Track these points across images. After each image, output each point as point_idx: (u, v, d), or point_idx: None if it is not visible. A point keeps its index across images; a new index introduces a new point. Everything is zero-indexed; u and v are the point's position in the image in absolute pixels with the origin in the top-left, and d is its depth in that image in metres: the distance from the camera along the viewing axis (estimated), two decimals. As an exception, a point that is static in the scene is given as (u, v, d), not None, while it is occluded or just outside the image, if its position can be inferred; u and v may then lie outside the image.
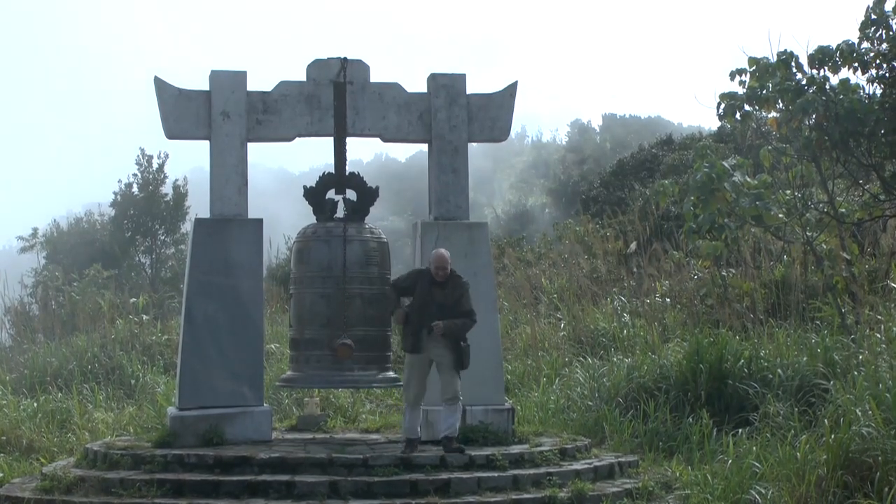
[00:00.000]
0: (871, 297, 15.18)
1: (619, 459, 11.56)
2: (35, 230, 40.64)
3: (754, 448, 10.71)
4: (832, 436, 9.81)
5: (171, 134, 12.29)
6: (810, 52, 14.56)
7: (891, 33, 14.15)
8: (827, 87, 14.35)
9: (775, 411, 11.86)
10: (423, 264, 12.29)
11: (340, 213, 12.66)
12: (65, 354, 19.05)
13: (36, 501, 10.32)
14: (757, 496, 9.61)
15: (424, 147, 13.02)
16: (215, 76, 12.28)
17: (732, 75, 14.99)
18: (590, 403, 14.13)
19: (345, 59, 12.40)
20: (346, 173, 12.59)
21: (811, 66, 14.57)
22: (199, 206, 19.57)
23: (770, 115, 15.32)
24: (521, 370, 16.80)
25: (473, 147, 13.93)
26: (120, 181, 43.63)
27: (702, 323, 16.44)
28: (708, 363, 13.42)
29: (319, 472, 10.54)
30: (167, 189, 43.25)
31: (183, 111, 12.18)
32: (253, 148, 12.40)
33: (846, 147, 14.53)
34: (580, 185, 49.55)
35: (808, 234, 15.58)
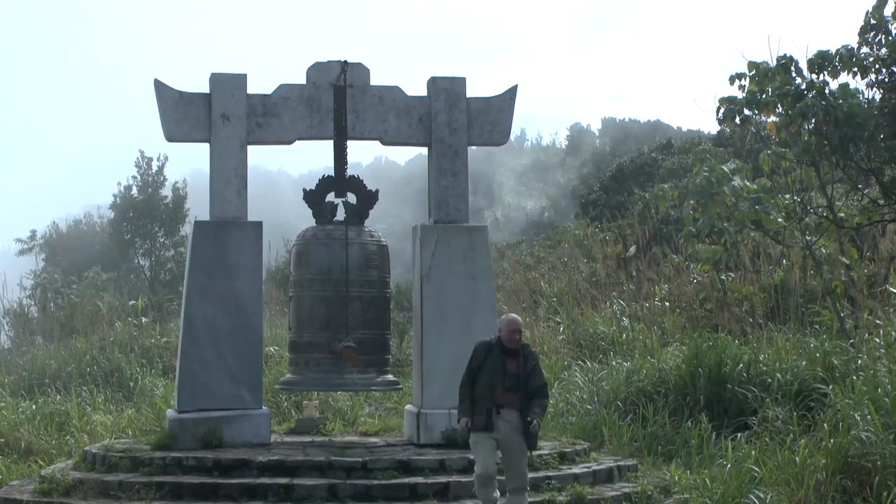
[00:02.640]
0: (870, 301, 15.17)
1: (618, 463, 11.56)
2: (34, 232, 40.67)
3: (753, 452, 10.71)
4: (831, 440, 9.82)
5: (171, 136, 12.30)
6: (810, 56, 14.59)
7: (890, 38, 14.17)
8: (826, 91, 14.36)
9: (774, 415, 11.86)
10: (423, 267, 12.30)
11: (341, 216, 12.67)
12: (63, 357, 19.05)
13: (34, 504, 10.34)
14: (756, 500, 9.61)
15: (424, 150, 13.03)
16: (215, 79, 12.28)
17: (732, 79, 15.01)
18: (589, 407, 14.13)
19: (345, 62, 12.41)
20: (346, 176, 12.59)
21: (811, 70, 14.59)
22: (198, 208, 19.59)
23: (769, 120, 15.33)
24: (521, 374, 16.75)
25: (473, 150, 13.92)
26: (119, 183, 43.63)
27: (701, 327, 16.43)
28: (707, 367, 13.42)
29: (318, 475, 10.54)
30: (167, 191, 43.26)
31: (183, 114, 12.18)
32: (252, 150, 12.41)
33: (845, 152, 14.54)
34: (580, 189, 49.57)
35: (807, 238, 15.58)
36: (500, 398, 9.28)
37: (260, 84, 12.41)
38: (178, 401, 11.94)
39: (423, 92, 12.71)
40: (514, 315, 9.73)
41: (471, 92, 12.67)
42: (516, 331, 9.45)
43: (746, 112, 15.12)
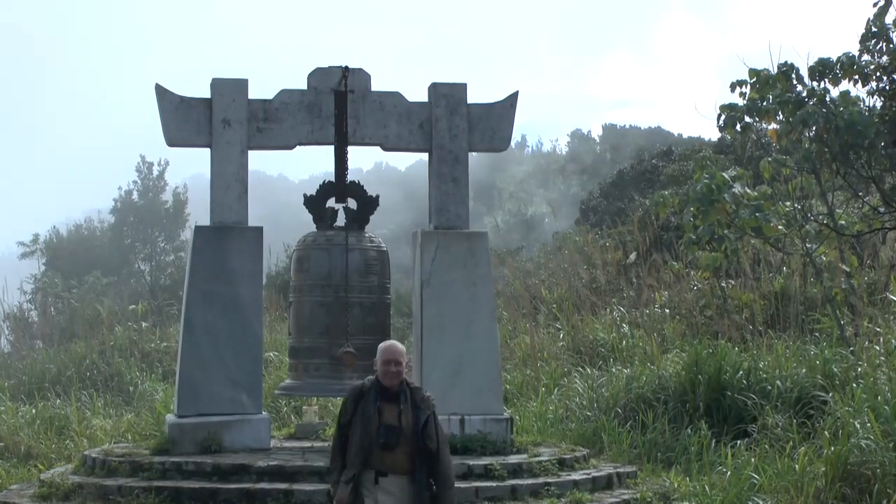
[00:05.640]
0: (870, 309, 15.19)
1: (618, 470, 11.55)
2: (36, 236, 40.77)
3: (753, 460, 10.72)
4: (831, 448, 9.83)
5: (172, 141, 12.29)
6: (811, 64, 14.61)
7: (891, 46, 14.16)
8: (827, 99, 14.37)
9: (774, 423, 11.86)
10: (423, 273, 12.28)
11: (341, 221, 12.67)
12: (63, 361, 19.08)
13: (33, 508, 10.33)
14: (755, 508, 9.62)
15: (425, 156, 13.03)
16: (216, 84, 12.28)
17: (733, 87, 15.02)
18: (588, 414, 14.14)
19: (346, 67, 12.42)
20: (347, 182, 12.60)
21: (811, 78, 14.60)
22: (199, 213, 19.64)
23: (770, 127, 15.35)
24: (520, 380, 16.80)
25: (473, 156, 13.93)
26: (120, 188, 43.80)
27: (701, 334, 16.45)
28: (707, 374, 13.42)
29: (317, 480, 10.52)
30: (167, 196, 43.40)
31: (184, 118, 12.18)
32: (253, 155, 12.42)
33: (846, 159, 14.55)
34: (580, 195, 49.60)
35: (807, 245, 15.59)
36: (377, 461, 6.89)
37: (261, 89, 12.41)
38: (178, 405, 11.93)
39: (424, 97, 12.71)
40: (392, 342, 7.30)
41: (472, 98, 12.69)
42: (393, 361, 7.01)
43: (747, 119, 15.14)
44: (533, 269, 26.21)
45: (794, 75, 14.68)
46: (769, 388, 12.92)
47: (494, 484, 10.53)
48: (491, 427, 11.80)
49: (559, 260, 25.73)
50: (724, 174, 15.56)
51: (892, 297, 15.09)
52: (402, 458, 6.87)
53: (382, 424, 6.87)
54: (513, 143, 14.36)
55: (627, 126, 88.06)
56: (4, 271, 24.57)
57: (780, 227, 15.46)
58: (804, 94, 14.56)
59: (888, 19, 14.18)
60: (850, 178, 15.37)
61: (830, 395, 11.67)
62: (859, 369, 12.43)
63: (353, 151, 12.55)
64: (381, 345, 7.17)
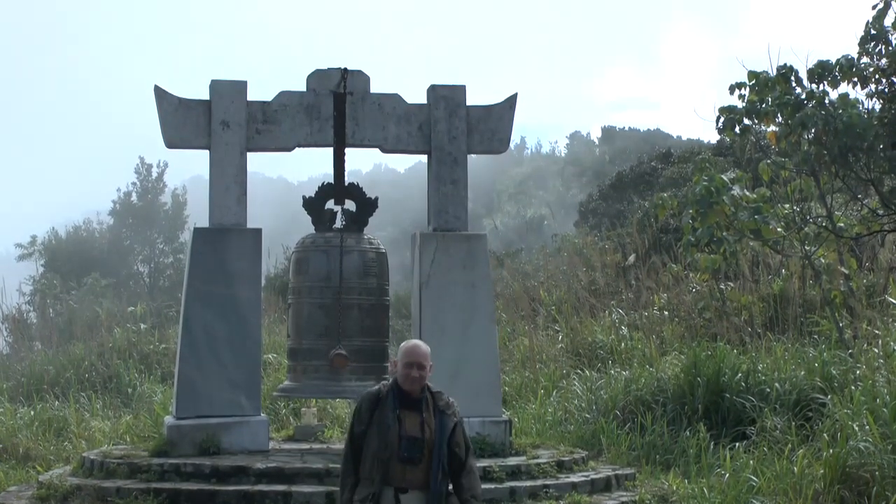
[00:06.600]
0: (868, 311, 15.19)
1: (616, 472, 11.54)
2: (34, 238, 40.81)
3: (751, 462, 10.72)
4: (829, 450, 9.83)
5: (171, 143, 12.28)
6: (810, 66, 14.62)
7: (890, 48, 14.19)
8: (826, 101, 14.38)
9: (772, 425, 11.86)
10: (422, 275, 12.27)
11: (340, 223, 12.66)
12: (62, 363, 19.07)
13: (32, 510, 10.33)
14: (754, 510, 9.62)
15: (424, 158, 13.03)
16: (215, 85, 12.28)
17: (732, 89, 15.02)
18: (587, 416, 14.14)
19: (345, 69, 12.42)
20: (346, 183, 12.60)
21: (810, 80, 14.61)
22: (198, 215, 19.64)
23: (769, 129, 15.34)
24: (519, 382, 16.80)
25: (472, 158, 13.94)
26: (119, 190, 43.84)
27: (699, 336, 16.44)
28: (705, 376, 13.42)
29: (316, 482, 10.53)
30: (166, 198, 43.43)
31: (183, 120, 12.17)
32: (252, 157, 12.41)
33: (845, 162, 14.55)
34: (579, 197, 49.61)
35: (806, 248, 15.58)
36: (397, 476, 6.26)
37: (260, 91, 12.41)
38: (177, 407, 11.92)
39: (423, 99, 12.71)
40: (417, 342, 6.55)
41: (471, 100, 12.67)
42: (416, 364, 6.33)
43: (746, 121, 15.14)
44: (532, 271, 26.20)
45: (793, 77, 14.69)
46: (768, 390, 12.92)
47: (493, 486, 10.52)
48: (489, 429, 11.79)
49: (558, 262, 25.73)
50: (722, 176, 15.56)
51: (890, 299, 15.08)
52: (424, 472, 6.27)
53: (405, 436, 6.24)
54: (512, 145, 14.34)
55: (626, 128, 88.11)
56: (3, 273, 24.53)
57: (778, 229, 15.45)
58: (803, 96, 14.56)
59: (887, 22, 14.22)
60: (848, 181, 15.37)
61: (829, 397, 11.67)
62: (858, 372, 12.42)
63: (352, 153, 12.56)
64: (404, 345, 6.47)
